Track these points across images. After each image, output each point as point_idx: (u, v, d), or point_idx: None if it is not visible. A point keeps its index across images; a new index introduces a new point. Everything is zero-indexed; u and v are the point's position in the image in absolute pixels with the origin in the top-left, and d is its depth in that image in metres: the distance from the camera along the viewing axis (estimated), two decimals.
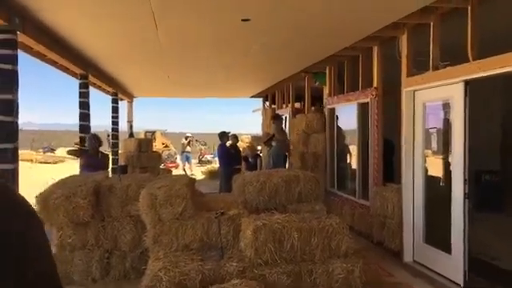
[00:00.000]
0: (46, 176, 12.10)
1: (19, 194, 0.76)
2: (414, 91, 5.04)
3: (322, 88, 8.61)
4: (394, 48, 5.41)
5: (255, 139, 11.31)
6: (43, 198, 4.30)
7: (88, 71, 7.02)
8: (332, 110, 7.48)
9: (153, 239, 4.37)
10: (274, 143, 7.55)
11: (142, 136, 20.96)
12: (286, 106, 11.13)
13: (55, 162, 21.46)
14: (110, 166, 10.46)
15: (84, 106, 6.84)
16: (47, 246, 0.76)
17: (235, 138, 9.84)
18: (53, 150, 25.90)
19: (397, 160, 6.21)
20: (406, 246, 5.09)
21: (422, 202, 4.96)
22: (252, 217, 4.36)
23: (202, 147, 23.56)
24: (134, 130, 13.81)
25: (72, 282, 4.57)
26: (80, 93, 6.83)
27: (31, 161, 20.39)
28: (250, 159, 8.16)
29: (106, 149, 6.24)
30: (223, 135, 8.65)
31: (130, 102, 13.68)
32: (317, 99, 9.63)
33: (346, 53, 6.44)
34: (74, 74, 7.14)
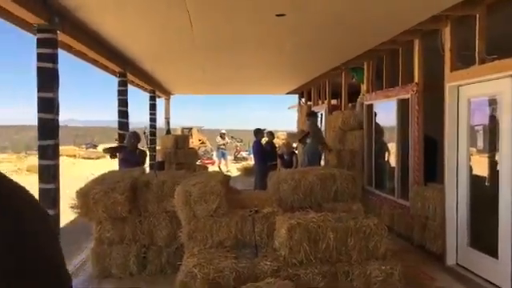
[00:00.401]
0: (88, 171, 12.57)
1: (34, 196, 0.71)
2: (459, 86, 4.78)
3: (359, 84, 8.40)
4: (437, 41, 5.16)
5: (290, 136, 11.18)
6: (83, 193, 4.43)
7: (126, 69, 7.18)
8: (370, 107, 7.26)
9: (187, 235, 4.40)
10: (308, 140, 7.43)
11: (179, 132, 21.33)
12: (322, 103, 10.95)
13: (97, 158, 22.22)
14: (148, 162, 10.71)
15: (122, 103, 7.00)
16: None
17: (271, 135, 9.77)
18: (95, 146, 26.84)
19: (439, 158, 5.96)
20: (448, 249, 4.86)
21: (467, 203, 4.71)
22: (286, 215, 4.29)
23: (238, 144, 23.68)
24: (171, 126, 14.06)
25: (110, 275, 4.69)
26: (119, 91, 7.00)
27: (74, 156, 21.24)
28: (285, 156, 8.07)
29: (143, 145, 6.35)
30: (258, 132, 8.61)
31: (168, 100, 13.93)
32: (354, 96, 9.41)
33: (385, 47, 6.22)
34: (113, 72, 7.32)
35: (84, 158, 22.16)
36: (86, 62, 6.87)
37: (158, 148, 11.24)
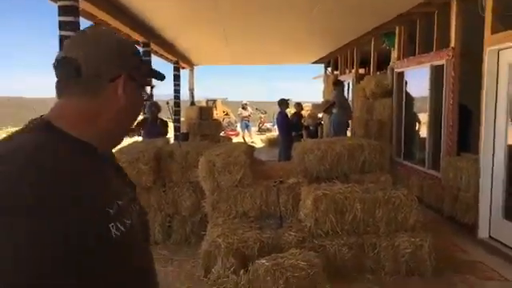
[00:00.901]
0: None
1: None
2: (499, 50, 4.45)
3: (388, 51, 8.03)
4: (476, 3, 4.79)
5: (315, 107, 10.91)
6: None
7: (150, 39, 7.07)
8: (400, 74, 6.94)
9: (211, 206, 4.38)
10: (334, 110, 7.21)
11: (204, 104, 21.32)
12: (350, 72, 10.61)
13: None
14: (173, 133, 10.74)
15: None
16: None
17: (299, 105, 9.52)
18: None
19: (473, 128, 5.68)
20: (481, 221, 4.67)
21: (504, 175, 4.47)
22: (312, 186, 4.19)
23: (262, 115, 23.51)
24: (196, 98, 14.01)
25: None
26: None
27: None
28: (310, 127, 7.90)
29: (167, 117, 6.31)
30: (282, 102, 8.43)
31: (191, 70, 13.82)
32: (382, 65, 9.05)
33: (419, 10, 5.85)
34: (136, 43, 7.23)
35: None
36: None
37: (182, 119, 11.24)
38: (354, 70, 9.90)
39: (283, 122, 8.03)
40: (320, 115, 10.64)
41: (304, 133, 7.88)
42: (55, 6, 4.01)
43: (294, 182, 4.42)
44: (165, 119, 6.00)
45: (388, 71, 7.71)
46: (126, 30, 6.57)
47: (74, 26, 3.88)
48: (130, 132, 5.86)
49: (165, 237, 4.80)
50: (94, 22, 5.77)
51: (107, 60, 0.88)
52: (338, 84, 8.01)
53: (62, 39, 3.86)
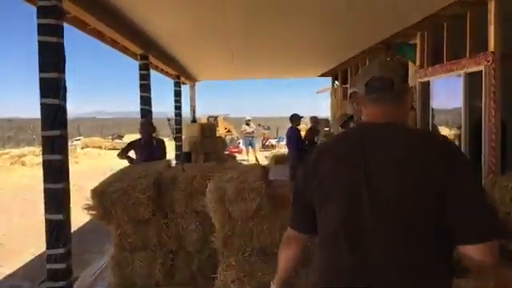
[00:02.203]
0: (113, 162, 12.03)
1: None
2: None
3: (406, 62, 7.44)
4: None
5: (319, 122, 10.15)
6: (99, 192, 3.74)
7: (148, 51, 6.46)
8: (425, 84, 6.29)
9: (223, 242, 3.66)
10: (352, 125, 6.54)
11: (205, 121, 20.73)
12: None
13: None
14: (173, 153, 10.07)
15: (145, 88, 6.30)
16: None
17: (315, 121, 8.72)
18: (120, 137, 26.63)
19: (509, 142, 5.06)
20: None
21: None
22: None
23: (265, 131, 22.88)
24: (196, 115, 13.37)
25: (133, 286, 4.03)
26: (140, 75, 6.30)
27: (100, 147, 20.99)
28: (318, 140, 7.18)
29: (170, 134, 5.63)
30: (295, 118, 7.79)
31: (193, 86, 13.24)
32: None
33: (447, 12, 5.24)
34: (133, 55, 6.62)
35: (110, 148, 21.89)
36: (105, 44, 6.20)
37: (183, 137, 10.58)
38: None
39: (296, 138, 7.34)
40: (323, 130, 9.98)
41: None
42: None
43: None
44: (161, 138, 5.30)
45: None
46: (122, 40, 5.96)
47: (57, 30, 3.24)
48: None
49: (167, 277, 4.07)
50: (85, 30, 5.16)
51: (405, 79, 1.42)
52: (355, 97, 7.38)
53: (41, 46, 3.21)
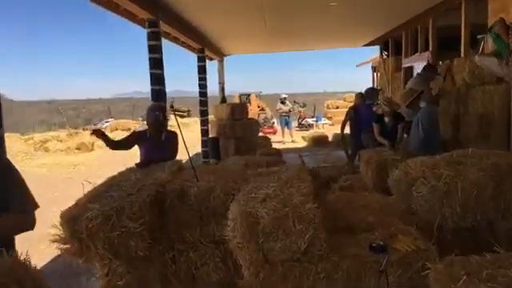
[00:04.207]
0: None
1: None
2: None
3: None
4: None
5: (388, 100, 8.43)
6: (70, 218, 2.50)
7: (158, 16, 5.12)
8: None
9: None
10: (423, 104, 5.01)
11: (237, 100, 19.40)
12: (420, 54, 8.27)
13: None
14: (200, 138, 8.86)
15: (156, 63, 5.00)
16: None
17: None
18: None
19: None
20: None
21: None
22: (447, 262, 2.08)
23: (301, 109, 21.30)
24: (226, 93, 12.03)
25: None
26: (149, 47, 4.99)
27: (129, 129, 20.17)
28: (386, 119, 5.58)
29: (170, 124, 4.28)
30: (373, 93, 6.38)
31: (221, 61, 11.86)
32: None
33: None
34: (140, 21, 5.30)
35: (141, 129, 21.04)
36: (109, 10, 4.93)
37: (210, 120, 9.32)
38: (429, 51, 7.56)
39: (372, 118, 5.82)
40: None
41: (376, 128, 5.57)
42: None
43: (409, 249, 2.34)
44: (173, 130, 4.00)
45: (477, 57, 5.41)
46: (125, 2, 4.64)
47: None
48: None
49: None
50: None
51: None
52: (427, 69, 5.83)
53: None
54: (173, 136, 3.93)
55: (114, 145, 3.84)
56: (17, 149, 13.90)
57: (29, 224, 1.91)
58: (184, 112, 29.10)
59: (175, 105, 4.48)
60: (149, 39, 4.99)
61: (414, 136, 5.04)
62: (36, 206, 1.95)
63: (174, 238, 2.79)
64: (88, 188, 2.88)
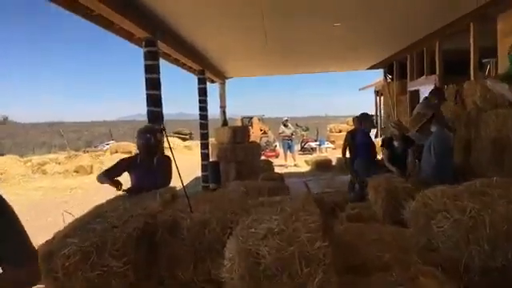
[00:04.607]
0: None
1: None
2: None
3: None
4: None
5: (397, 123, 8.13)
6: (46, 254, 2.20)
7: (156, 35, 4.92)
8: None
9: None
10: (434, 128, 4.73)
11: (239, 123, 19.22)
12: (427, 77, 8.07)
13: None
14: (200, 162, 8.58)
15: (153, 83, 4.77)
16: None
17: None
18: None
19: None
20: None
21: None
22: None
23: (304, 133, 21.04)
24: (228, 116, 11.81)
25: None
26: (145, 66, 4.77)
27: (130, 152, 19.93)
28: (395, 143, 5.33)
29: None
30: (366, 118, 6.10)
31: (223, 84, 11.70)
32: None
33: None
34: (137, 41, 5.10)
35: None
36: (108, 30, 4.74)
37: (211, 143, 9.06)
38: (437, 75, 7.35)
39: (366, 143, 5.62)
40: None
41: (384, 153, 5.35)
42: None
43: None
44: (166, 155, 3.69)
45: (489, 81, 5.23)
46: (121, 21, 4.45)
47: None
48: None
49: None
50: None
51: None
52: (437, 93, 5.61)
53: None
54: (165, 161, 3.63)
55: (106, 179, 3.46)
56: (15, 171, 13.63)
57: (28, 280, 1.45)
58: (186, 135, 28.94)
59: (177, 128, 4.23)
60: (145, 59, 4.77)
61: (426, 161, 4.74)
62: (36, 255, 1.51)
63: (164, 276, 2.47)
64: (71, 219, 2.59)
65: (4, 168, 13.46)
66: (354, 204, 5.25)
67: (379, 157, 6.64)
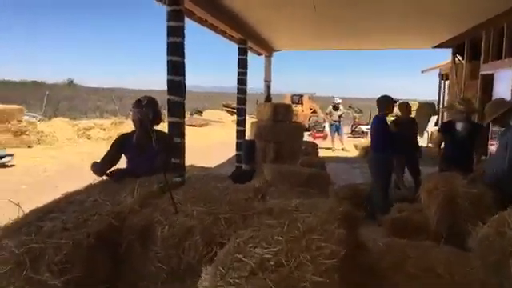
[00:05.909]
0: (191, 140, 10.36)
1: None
2: None
3: None
4: None
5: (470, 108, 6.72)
6: None
7: None
8: None
9: None
10: None
11: (288, 100, 18.35)
12: (505, 59, 6.81)
13: (200, 125, 20.61)
14: (235, 140, 7.98)
15: (174, 49, 4.13)
16: None
17: (407, 107, 5.86)
18: (199, 113, 25.55)
19: None
20: None
21: None
22: None
23: (356, 115, 19.82)
24: (278, 92, 11.06)
25: None
26: (168, 28, 4.13)
27: None
28: (457, 126, 4.33)
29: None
30: (386, 102, 5.17)
31: (268, 57, 10.90)
32: None
33: None
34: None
35: (187, 125, 20.67)
36: None
37: (252, 119, 8.41)
38: None
39: (381, 130, 4.78)
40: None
41: (437, 137, 4.42)
42: None
43: None
44: (163, 131, 3.07)
45: None
46: None
47: None
48: None
49: None
50: None
51: None
52: None
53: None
54: (163, 138, 3.01)
55: (103, 169, 2.87)
56: (62, 134, 13.84)
57: None
58: (235, 108, 28.57)
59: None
60: (168, 19, 4.13)
61: (496, 161, 3.77)
62: None
63: None
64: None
65: (53, 130, 13.70)
66: (402, 205, 4.41)
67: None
